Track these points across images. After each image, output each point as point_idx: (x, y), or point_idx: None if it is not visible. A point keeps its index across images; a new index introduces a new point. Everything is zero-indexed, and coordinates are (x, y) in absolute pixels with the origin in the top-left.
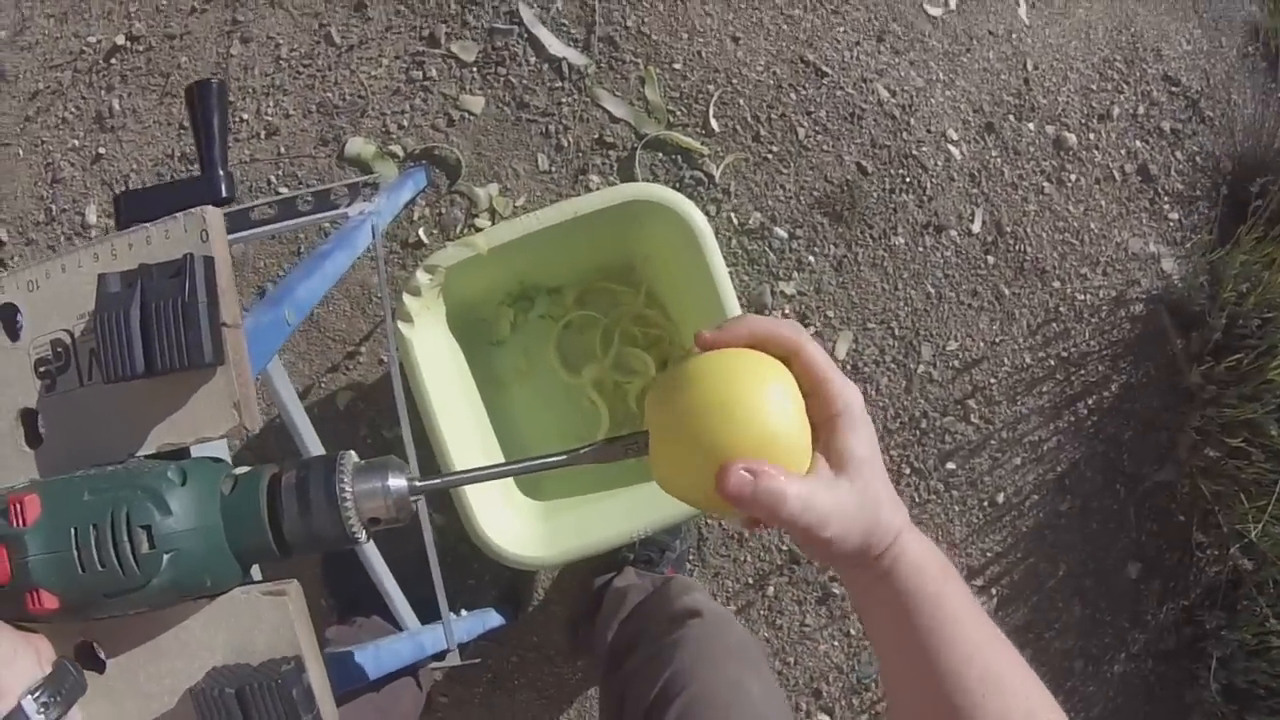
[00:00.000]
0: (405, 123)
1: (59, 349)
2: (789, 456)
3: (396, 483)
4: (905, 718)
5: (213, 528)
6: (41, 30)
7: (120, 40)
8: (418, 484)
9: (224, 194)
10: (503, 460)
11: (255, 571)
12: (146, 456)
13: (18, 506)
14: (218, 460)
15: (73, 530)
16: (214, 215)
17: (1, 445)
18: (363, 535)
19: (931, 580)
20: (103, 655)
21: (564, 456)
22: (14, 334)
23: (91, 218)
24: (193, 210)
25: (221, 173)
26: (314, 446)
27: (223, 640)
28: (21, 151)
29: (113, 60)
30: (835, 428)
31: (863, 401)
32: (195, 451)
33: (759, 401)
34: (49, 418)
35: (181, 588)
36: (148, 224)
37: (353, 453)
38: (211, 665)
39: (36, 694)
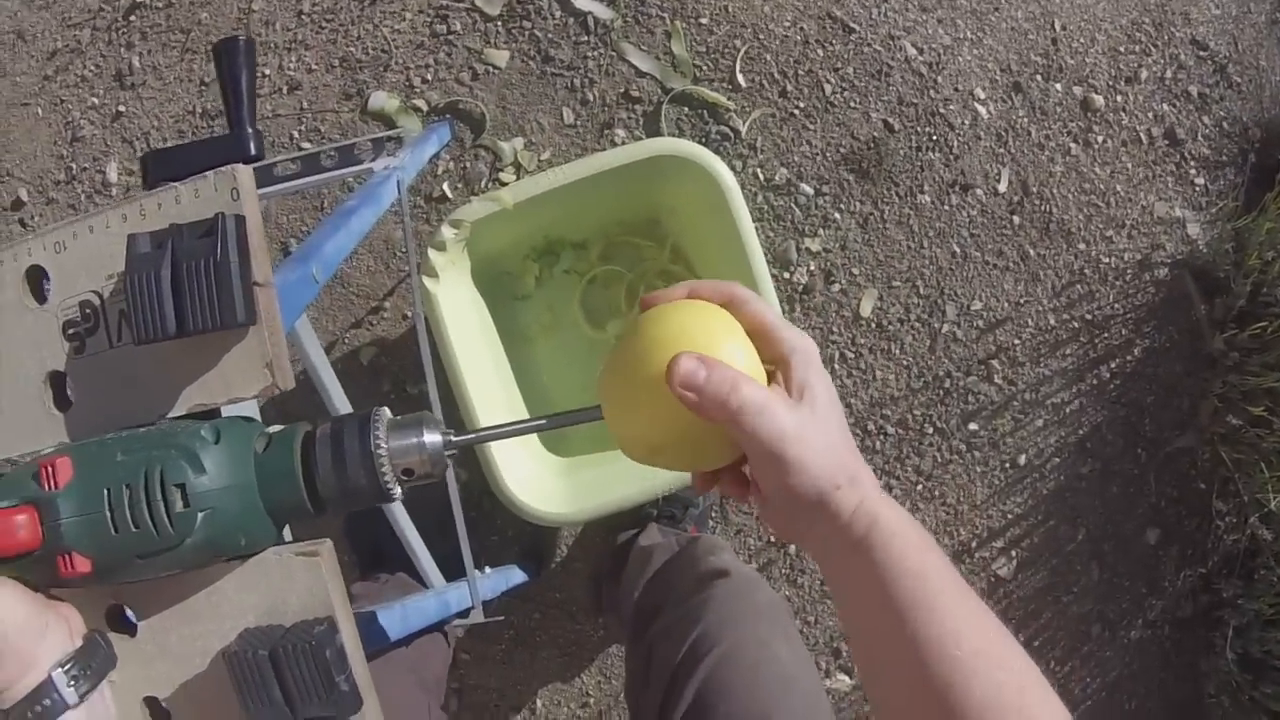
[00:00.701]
0: (429, 77)
1: (87, 310)
2: None
3: (431, 438)
4: (888, 698)
5: (247, 485)
6: None
7: None
8: (453, 439)
9: (253, 152)
10: (528, 415)
11: (285, 533)
12: (177, 418)
13: (49, 469)
14: (250, 420)
15: (105, 491)
16: (245, 173)
17: (31, 408)
18: (398, 491)
19: (914, 550)
20: (134, 618)
21: (544, 420)
22: (41, 296)
23: (113, 176)
24: (223, 169)
25: (250, 130)
26: (341, 404)
27: (255, 601)
28: (41, 110)
29: (132, 17)
30: (791, 365)
31: (818, 351)
32: (226, 412)
33: (706, 341)
34: (78, 380)
35: (216, 547)
36: (176, 183)
37: (386, 409)
38: (244, 627)
39: (67, 666)
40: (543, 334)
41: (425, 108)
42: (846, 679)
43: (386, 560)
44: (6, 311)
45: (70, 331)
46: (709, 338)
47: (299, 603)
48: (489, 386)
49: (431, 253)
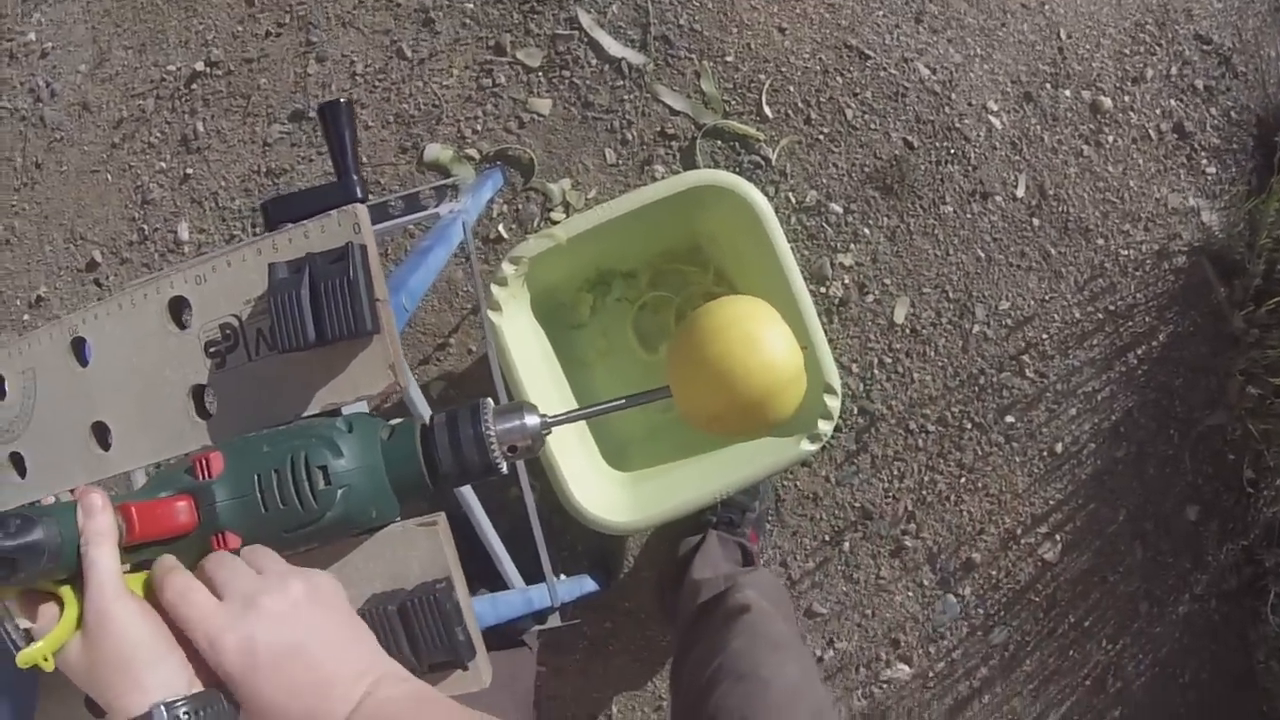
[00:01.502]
0: (479, 127)
1: (228, 331)
2: (787, 376)
3: (531, 419)
4: None
5: (376, 466)
6: (121, 62)
7: (199, 66)
8: (548, 419)
9: (360, 195)
10: (590, 434)
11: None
12: (310, 416)
13: (203, 462)
14: (374, 415)
15: (256, 476)
16: (363, 211)
17: (177, 419)
18: (504, 465)
19: None
20: None
21: (623, 401)
22: (180, 323)
23: (184, 234)
24: (345, 208)
25: (356, 177)
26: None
27: (380, 569)
28: (110, 176)
29: (193, 85)
30: None
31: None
32: (347, 411)
33: (752, 327)
34: (220, 391)
35: (350, 520)
36: (305, 221)
37: (490, 399)
38: (370, 593)
39: (175, 705)
40: (599, 359)
41: (477, 156)
42: (906, 668)
43: (471, 580)
44: (151, 337)
45: (212, 350)
46: (753, 323)
47: (419, 567)
48: (552, 409)
49: (494, 288)
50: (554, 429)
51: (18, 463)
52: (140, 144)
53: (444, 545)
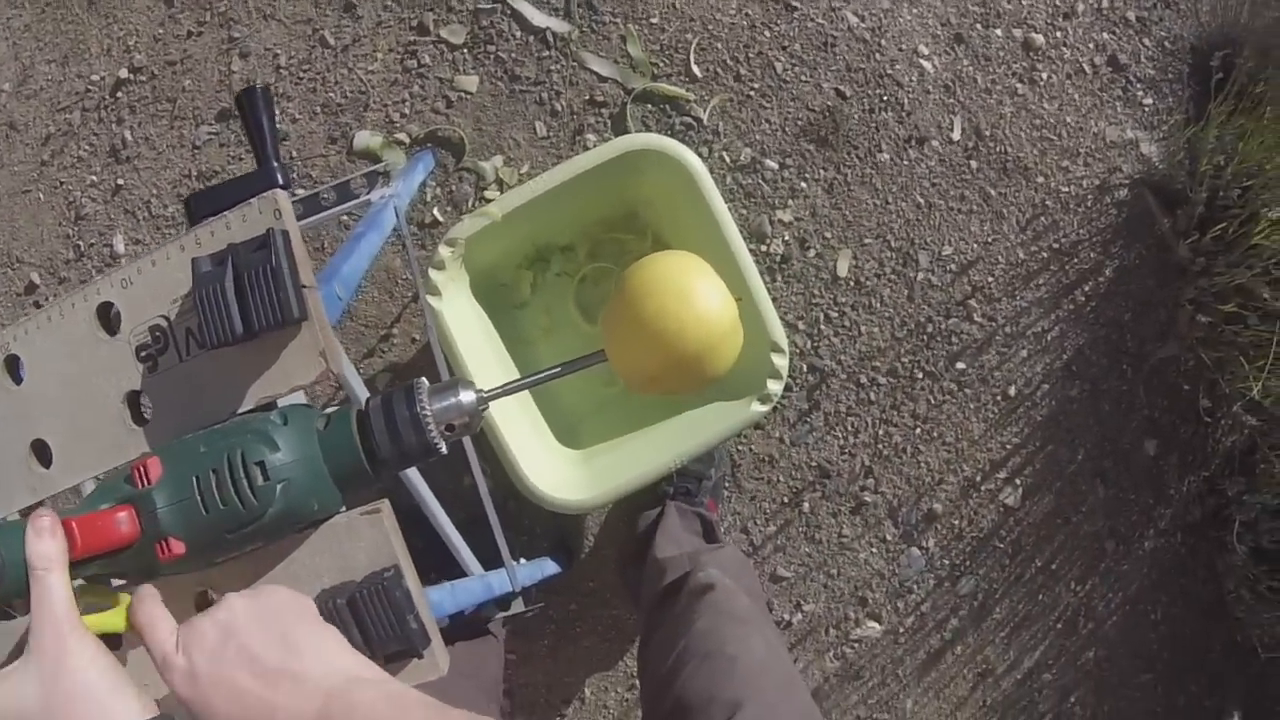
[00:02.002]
0: (407, 110)
1: (157, 333)
2: (722, 328)
3: (466, 396)
4: None
5: (314, 457)
6: (45, 76)
7: (123, 74)
8: (484, 393)
9: (281, 182)
10: (538, 411)
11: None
12: (245, 412)
13: (141, 469)
14: (309, 405)
15: (194, 478)
16: (283, 196)
17: (113, 427)
18: (443, 444)
19: None
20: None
21: (559, 369)
22: (111, 329)
23: (120, 247)
24: (264, 194)
25: (276, 164)
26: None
27: (327, 564)
28: (42, 195)
29: (119, 94)
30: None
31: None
32: (283, 403)
33: (683, 281)
34: (154, 395)
35: (293, 515)
36: (225, 212)
37: (425, 379)
38: (320, 588)
39: None
40: (543, 336)
41: (407, 140)
42: (876, 626)
43: (432, 570)
44: (82, 346)
45: (143, 354)
46: (685, 278)
47: (366, 557)
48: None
49: (432, 273)
50: (494, 405)
51: None
52: (70, 159)
53: (389, 533)
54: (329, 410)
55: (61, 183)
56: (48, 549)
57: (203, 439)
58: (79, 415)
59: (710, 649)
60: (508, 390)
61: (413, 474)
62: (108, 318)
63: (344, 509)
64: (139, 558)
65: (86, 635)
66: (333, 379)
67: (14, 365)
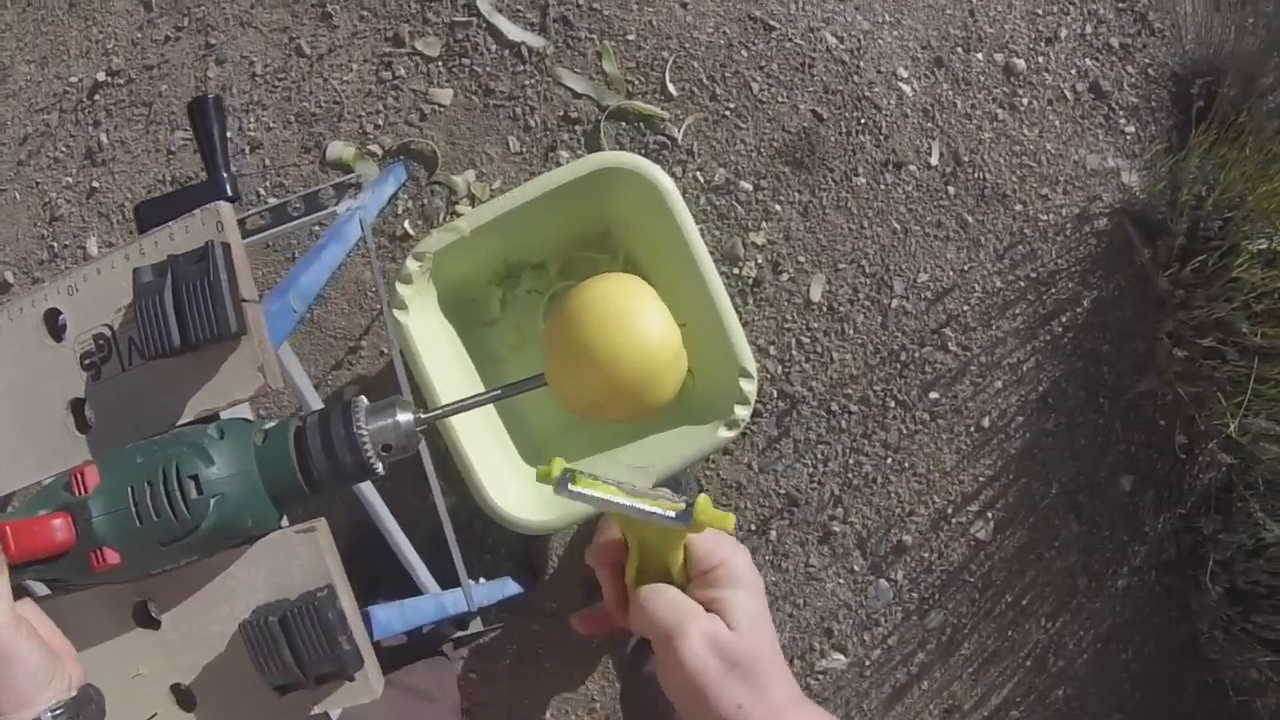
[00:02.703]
0: (380, 122)
1: (101, 341)
2: (664, 355)
3: (404, 416)
4: None
5: (249, 472)
6: (24, 76)
7: (101, 76)
8: (422, 415)
9: (229, 193)
10: (505, 430)
11: (284, 523)
12: (185, 424)
13: (79, 477)
14: (248, 420)
15: (129, 489)
16: (226, 208)
17: (56, 434)
18: (379, 465)
19: None
20: (156, 614)
21: (499, 392)
22: (58, 335)
23: (93, 249)
24: (208, 206)
25: (226, 175)
26: None
27: (263, 579)
28: (18, 195)
29: (96, 96)
30: (721, 580)
31: (748, 560)
32: (225, 416)
33: (625, 303)
34: (96, 403)
35: (226, 530)
36: (169, 223)
37: (364, 397)
38: (255, 604)
39: (58, 713)
40: (512, 354)
41: (380, 151)
42: (841, 658)
43: (385, 588)
44: (28, 351)
45: (87, 362)
46: (625, 301)
47: (301, 575)
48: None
49: (399, 286)
50: (458, 422)
51: None
52: (46, 159)
53: (324, 551)
54: (268, 426)
55: (38, 183)
56: None
57: (140, 449)
58: (23, 420)
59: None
60: (447, 412)
61: (368, 490)
62: (55, 324)
63: (283, 524)
64: (74, 565)
65: (22, 626)
66: (269, 393)
67: None
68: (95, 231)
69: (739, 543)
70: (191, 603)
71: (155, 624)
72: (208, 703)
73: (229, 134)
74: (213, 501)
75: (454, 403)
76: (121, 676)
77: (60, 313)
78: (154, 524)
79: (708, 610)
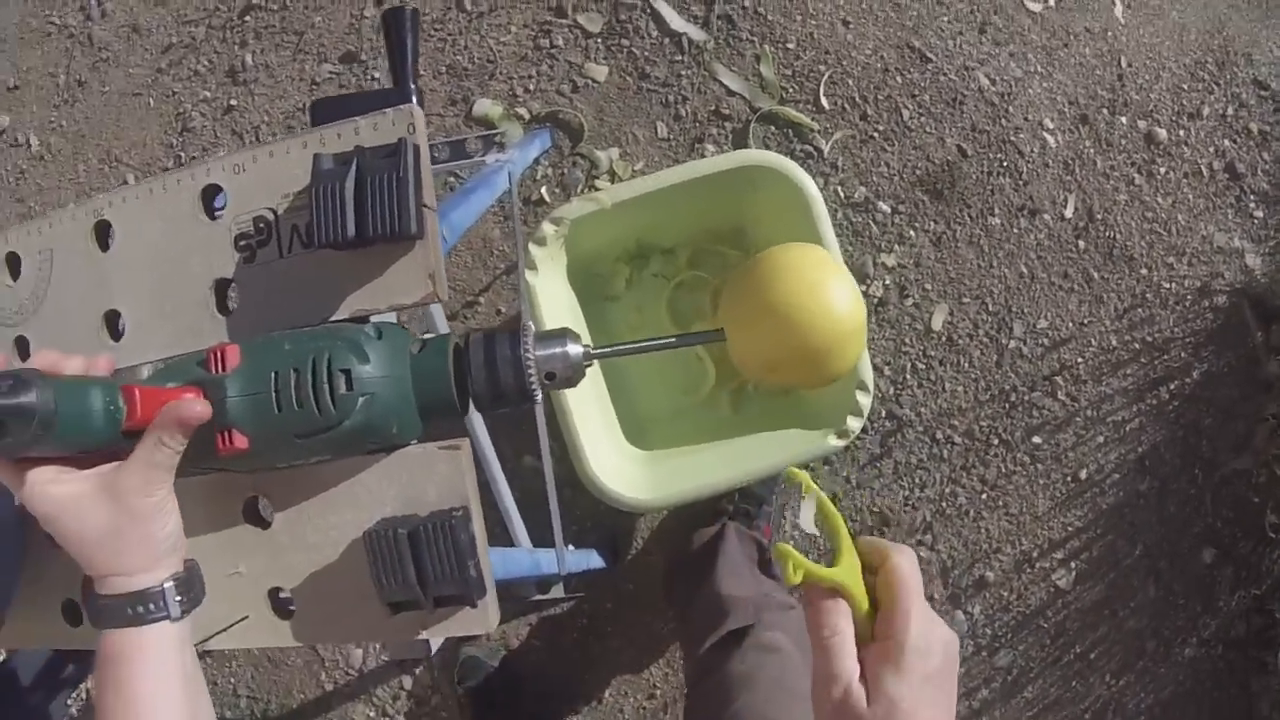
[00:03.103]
0: (531, 87)
1: (261, 225)
2: (849, 326)
3: (574, 348)
4: None
5: (403, 378)
6: None
7: None
8: (591, 350)
9: (417, 102)
10: (613, 410)
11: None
12: (338, 321)
13: (218, 354)
14: (405, 327)
15: (273, 374)
16: (418, 111)
17: (195, 312)
18: (539, 391)
19: None
20: (268, 515)
21: (674, 339)
22: (210, 213)
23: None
24: (401, 106)
25: (413, 86)
26: None
27: (395, 493)
28: (152, 101)
29: (247, 17)
30: (886, 654)
31: (935, 638)
32: (376, 320)
33: (814, 275)
34: (245, 287)
35: (369, 433)
36: (356, 117)
37: (533, 324)
38: (382, 515)
39: (178, 583)
40: (630, 333)
41: (527, 116)
42: None
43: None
44: (180, 224)
45: (242, 243)
46: (819, 271)
47: (436, 494)
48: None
49: (533, 246)
50: (569, 392)
51: (22, 348)
52: (186, 71)
53: (465, 472)
54: (425, 336)
55: (174, 93)
56: (178, 413)
57: (289, 338)
58: (162, 293)
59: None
60: (618, 351)
61: (483, 437)
62: (211, 203)
63: (420, 440)
64: (197, 445)
65: (174, 497)
66: (434, 303)
67: (104, 232)
68: (226, 147)
69: (908, 550)
70: (311, 505)
71: (264, 524)
72: (306, 611)
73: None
74: (361, 400)
75: (625, 343)
76: (218, 573)
77: (220, 191)
78: (294, 413)
79: (875, 662)
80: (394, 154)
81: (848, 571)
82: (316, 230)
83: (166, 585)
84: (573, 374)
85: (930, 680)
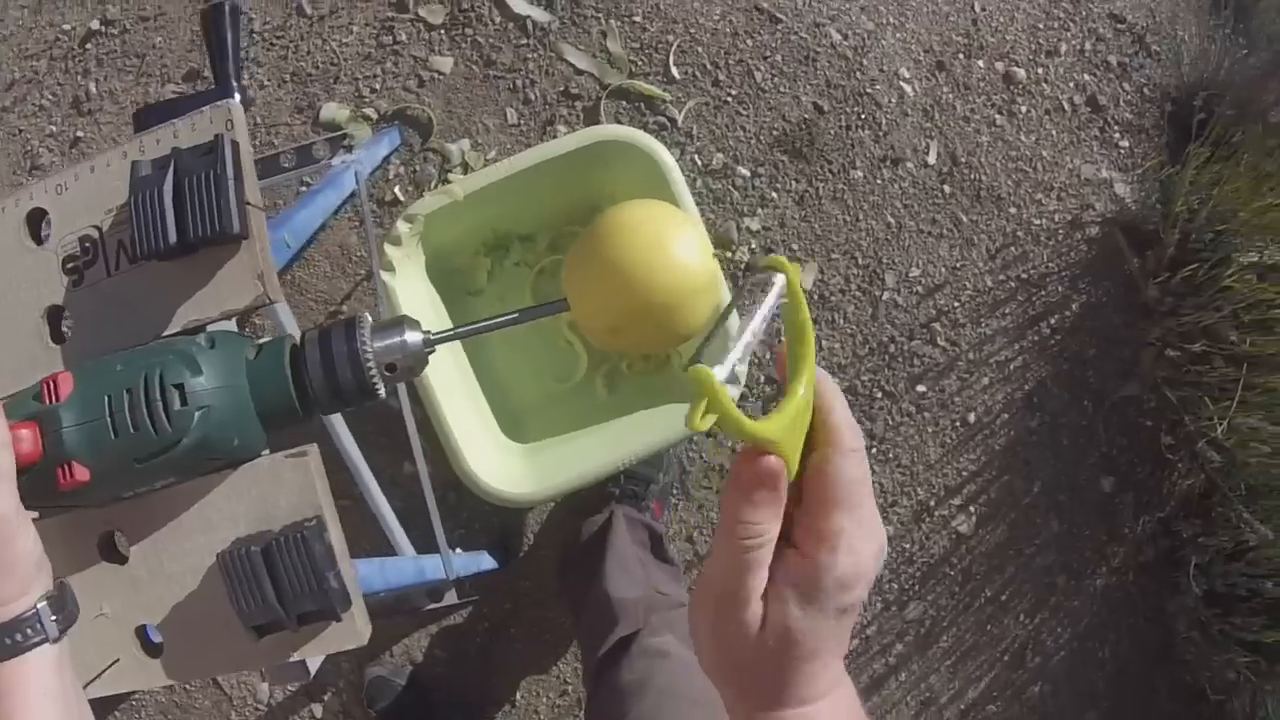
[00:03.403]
0: (377, 86)
1: (87, 244)
2: (698, 281)
3: (412, 336)
4: None
5: (239, 387)
6: (16, 22)
7: (95, 25)
8: (431, 336)
9: (239, 100)
10: (486, 404)
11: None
12: (171, 335)
13: (51, 385)
14: (241, 333)
15: (106, 398)
16: (237, 108)
17: (29, 343)
18: (381, 386)
19: None
20: (124, 550)
21: (516, 315)
22: (39, 238)
23: None
24: (218, 103)
25: (236, 84)
26: None
27: (245, 510)
28: (0, 141)
29: (88, 45)
30: (801, 576)
31: (865, 566)
32: (213, 329)
33: (663, 229)
34: (76, 311)
35: (210, 448)
36: (174, 120)
37: (369, 314)
38: (235, 537)
39: (50, 602)
40: None
41: (375, 115)
42: None
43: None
44: (6, 255)
45: (70, 266)
46: (663, 224)
47: (288, 505)
48: (449, 378)
49: (388, 247)
50: (439, 390)
51: None
52: (31, 107)
53: (314, 478)
54: (262, 341)
55: (20, 130)
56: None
57: (121, 358)
58: None
59: None
60: (458, 334)
61: (348, 444)
62: (38, 226)
63: (267, 451)
64: (39, 482)
65: (26, 514)
66: (266, 304)
67: None
68: None
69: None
70: (164, 534)
71: (122, 559)
72: (175, 646)
73: (242, 47)
74: (197, 414)
75: (466, 324)
76: (83, 617)
77: (46, 214)
78: (130, 437)
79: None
80: (211, 151)
81: (790, 422)
82: (138, 241)
83: (40, 606)
84: (414, 364)
85: (846, 614)
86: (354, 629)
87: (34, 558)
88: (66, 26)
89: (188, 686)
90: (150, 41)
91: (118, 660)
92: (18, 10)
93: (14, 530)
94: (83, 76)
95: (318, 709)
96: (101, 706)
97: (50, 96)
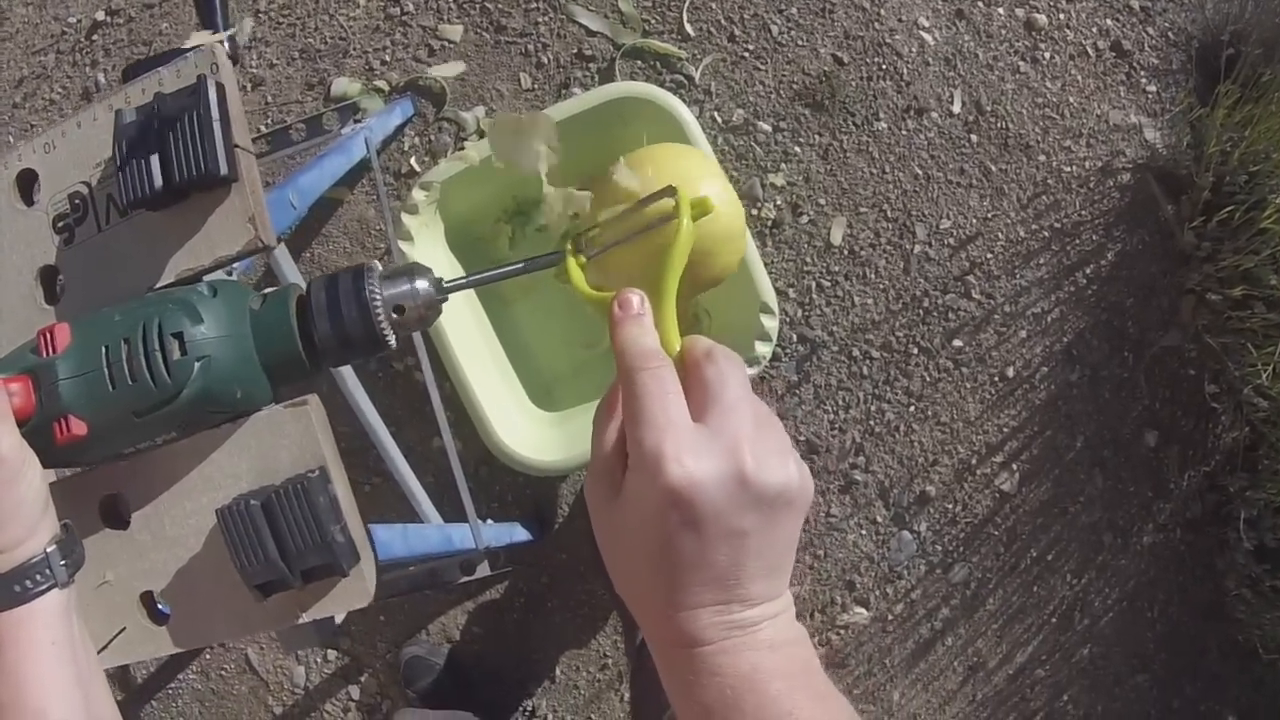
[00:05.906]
0: (388, 58)
1: (76, 201)
2: (721, 227)
3: (423, 284)
4: None
5: (242, 335)
6: (21, 19)
7: (100, 16)
8: (444, 283)
9: (228, 51)
10: (514, 372)
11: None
12: (168, 285)
13: (48, 336)
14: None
15: (104, 349)
16: (220, 49)
17: (24, 306)
18: (390, 335)
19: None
20: (126, 513)
21: (522, 264)
22: (30, 199)
23: None
24: (201, 47)
25: (222, 27)
26: None
27: (247, 466)
28: (12, 138)
29: (94, 36)
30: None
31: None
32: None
33: (692, 181)
34: (69, 269)
35: (211, 400)
36: (158, 68)
37: (378, 263)
38: (238, 493)
39: (60, 546)
40: (521, 295)
41: (386, 88)
42: (863, 611)
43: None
44: None
45: (60, 224)
46: (685, 169)
47: (289, 458)
48: (475, 347)
49: (405, 216)
50: (466, 360)
51: None
52: (41, 101)
53: (317, 430)
54: (267, 290)
55: (32, 125)
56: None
57: (120, 308)
58: None
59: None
60: (470, 282)
61: (370, 414)
62: (29, 189)
63: (272, 404)
64: (35, 438)
65: (34, 458)
66: (261, 249)
67: None
68: None
69: None
70: (166, 497)
71: (124, 524)
72: (180, 611)
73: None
74: (198, 365)
75: (476, 272)
76: (86, 585)
77: (35, 175)
78: (129, 389)
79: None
80: (195, 93)
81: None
82: (125, 190)
83: (50, 550)
84: (426, 311)
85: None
86: (363, 586)
87: (42, 497)
88: (72, 19)
89: (223, 672)
90: (157, 28)
91: (124, 629)
92: (22, 8)
93: (14, 472)
94: (91, 68)
95: (355, 691)
96: (137, 693)
97: (60, 90)
